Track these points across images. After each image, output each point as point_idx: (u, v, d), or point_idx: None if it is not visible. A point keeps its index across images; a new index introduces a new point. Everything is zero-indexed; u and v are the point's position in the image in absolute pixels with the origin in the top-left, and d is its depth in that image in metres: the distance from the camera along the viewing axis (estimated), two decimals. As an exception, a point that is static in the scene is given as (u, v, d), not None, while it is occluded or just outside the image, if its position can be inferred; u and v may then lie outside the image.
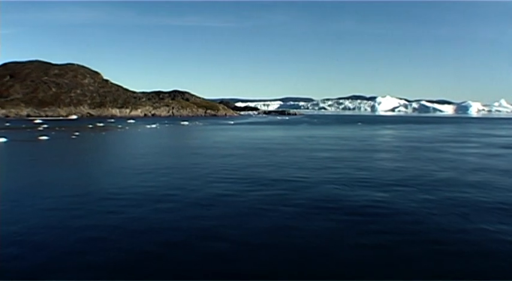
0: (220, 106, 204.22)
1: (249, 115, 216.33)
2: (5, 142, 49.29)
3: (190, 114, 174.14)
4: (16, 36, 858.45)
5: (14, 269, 11.64)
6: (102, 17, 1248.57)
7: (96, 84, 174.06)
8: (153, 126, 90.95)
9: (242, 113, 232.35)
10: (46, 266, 11.85)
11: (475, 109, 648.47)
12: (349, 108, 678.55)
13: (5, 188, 22.69)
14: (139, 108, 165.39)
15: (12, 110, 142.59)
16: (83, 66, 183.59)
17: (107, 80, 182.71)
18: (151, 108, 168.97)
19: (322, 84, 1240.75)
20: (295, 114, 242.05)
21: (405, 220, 16.53)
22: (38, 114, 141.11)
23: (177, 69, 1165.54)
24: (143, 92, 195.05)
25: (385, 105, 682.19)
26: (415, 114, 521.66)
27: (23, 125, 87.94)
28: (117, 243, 13.77)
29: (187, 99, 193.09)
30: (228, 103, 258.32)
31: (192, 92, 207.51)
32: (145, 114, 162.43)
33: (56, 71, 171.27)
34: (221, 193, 21.19)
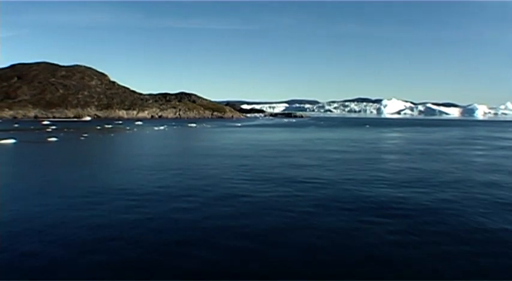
0: (227, 108, 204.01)
1: (256, 117, 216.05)
2: (14, 143, 49.15)
3: (197, 116, 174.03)
4: (23, 38, 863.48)
5: (30, 266, 11.69)
6: (109, 20, 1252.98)
7: (103, 86, 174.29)
8: (161, 128, 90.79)
9: (248, 115, 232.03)
10: (62, 264, 11.90)
11: (481, 112, 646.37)
12: (355, 111, 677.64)
13: (18, 188, 22.64)
14: (146, 110, 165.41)
15: (20, 112, 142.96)
16: (90, 68, 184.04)
17: (114, 82, 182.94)
18: (158, 110, 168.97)
19: (327, 87, 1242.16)
20: (302, 116, 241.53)
21: (428, 220, 16.51)
22: (45, 116, 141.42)
23: (183, 71, 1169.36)
24: (150, 94, 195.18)
25: (391, 107, 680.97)
26: (421, 117, 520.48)
27: (31, 127, 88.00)
28: (135, 241, 13.81)
29: (193, 102, 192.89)
30: (234, 105, 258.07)
31: (199, 94, 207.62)
32: (152, 116, 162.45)
33: (63, 73, 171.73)
34: (239, 193, 21.12)
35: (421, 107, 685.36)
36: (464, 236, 14.61)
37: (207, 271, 11.57)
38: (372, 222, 16.13)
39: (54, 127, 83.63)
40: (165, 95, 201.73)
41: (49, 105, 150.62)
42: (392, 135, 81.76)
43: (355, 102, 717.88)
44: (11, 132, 68.65)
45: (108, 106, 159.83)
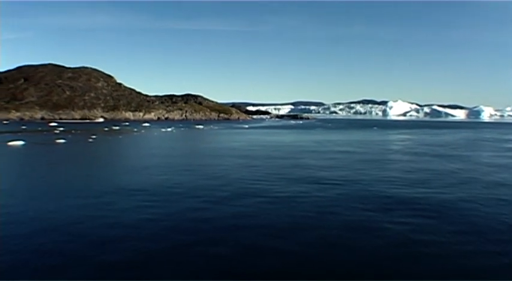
0: (233, 110, 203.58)
1: (262, 119, 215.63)
2: (23, 145, 48.87)
3: (203, 118, 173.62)
4: (29, 39, 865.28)
5: (46, 263, 11.97)
6: (114, 21, 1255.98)
7: (109, 87, 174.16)
8: (169, 129, 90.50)
9: (255, 117, 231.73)
10: (78, 260, 12.20)
11: (487, 114, 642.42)
12: (361, 113, 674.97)
13: (32, 188, 22.49)
14: (152, 111, 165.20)
15: (27, 113, 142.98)
16: (96, 70, 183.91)
17: (120, 84, 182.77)
18: (164, 111, 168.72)
19: (332, 88, 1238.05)
20: (308, 118, 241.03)
21: (453, 219, 16.73)
22: (52, 117, 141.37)
23: (189, 72, 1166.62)
24: (156, 96, 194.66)
25: (397, 109, 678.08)
26: (427, 119, 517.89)
27: (39, 128, 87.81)
28: (152, 239, 14.09)
29: (200, 103, 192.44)
30: (240, 107, 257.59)
31: (205, 96, 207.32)
32: (158, 118, 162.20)
33: (70, 75, 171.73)
34: (255, 193, 21.06)
35: (426, 109, 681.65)
36: (489, 234, 14.79)
37: (226, 269, 11.65)
38: (395, 222, 16.31)
39: (61, 129, 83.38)
40: (171, 96, 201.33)
41: (56, 106, 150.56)
42: (402, 137, 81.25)
43: (361, 104, 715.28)
44: (19, 134, 68.45)
45: (114, 108, 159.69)
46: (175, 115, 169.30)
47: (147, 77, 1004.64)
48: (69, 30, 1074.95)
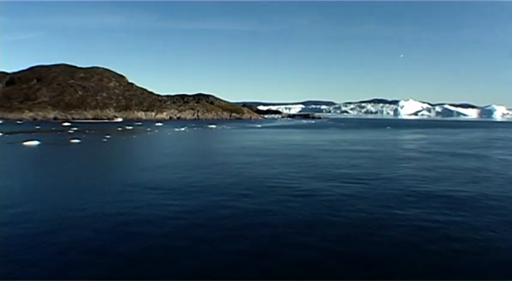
0: (245, 109, 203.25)
1: (274, 119, 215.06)
2: (38, 145, 48.66)
3: (215, 117, 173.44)
4: (41, 40, 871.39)
5: (68, 259, 12.17)
6: (125, 22, 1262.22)
7: (121, 87, 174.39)
8: (182, 129, 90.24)
9: (266, 116, 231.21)
10: (102, 253, 12.60)
11: (499, 113, 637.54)
12: (371, 112, 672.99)
13: (50, 188, 22.24)
14: (164, 111, 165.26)
15: (40, 113, 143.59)
16: (108, 70, 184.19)
17: (131, 84, 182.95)
18: (176, 111, 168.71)
19: (343, 88, 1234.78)
20: (320, 117, 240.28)
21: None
22: (64, 117, 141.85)
23: (200, 72, 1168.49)
24: (167, 96, 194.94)
25: (408, 109, 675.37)
26: (439, 118, 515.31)
27: (53, 128, 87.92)
28: (177, 235, 14.35)
29: (211, 103, 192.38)
30: (251, 106, 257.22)
31: (216, 96, 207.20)
32: (170, 118, 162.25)
33: (82, 75, 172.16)
34: (281, 192, 20.84)
35: (438, 108, 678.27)
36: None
37: (249, 264, 11.67)
38: (425, 218, 16.39)
39: (75, 129, 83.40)
40: (182, 96, 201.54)
41: (68, 106, 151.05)
42: (417, 137, 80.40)
43: (372, 103, 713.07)
44: (33, 133, 68.43)
45: (126, 107, 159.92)
46: (187, 115, 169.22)
47: (158, 76, 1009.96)
48: (81, 31, 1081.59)
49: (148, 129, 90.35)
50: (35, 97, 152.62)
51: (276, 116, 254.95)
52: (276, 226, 15.29)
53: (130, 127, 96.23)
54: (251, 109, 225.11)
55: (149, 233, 14.37)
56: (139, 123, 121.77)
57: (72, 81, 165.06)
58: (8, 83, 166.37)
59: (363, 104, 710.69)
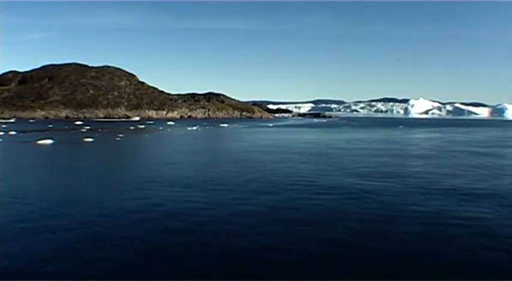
0: (256, 108, 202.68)
1: (285, 118, 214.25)
2: (52, 144, 48.51)
3: (226, 116, 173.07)
4: (53, 39, 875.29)
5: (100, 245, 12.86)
6: (136, 21, 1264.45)
7: (132, 86, 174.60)
8: (194, 128, 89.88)
9: (277, 115, 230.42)
10: (127, 246, 12.92)
11: (511, 112, 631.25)
12: (382, 111, 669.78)
13: (69, 186, 21.97)
14: (175, 110, 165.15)
15: (52, 112, 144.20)
16: (119, 69, 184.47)
17: (142, 82, 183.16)
18: (187, 110, 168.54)
19: (353, 86, 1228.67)
20: (331, 116, 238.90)
21: None
22: (76, 116, 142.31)
23: (209, 71, 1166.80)
24: (178, 94, 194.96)
25: (418, 107, 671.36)
26: (450, 117, 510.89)
27: (65, 127, 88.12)
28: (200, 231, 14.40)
29: (222, 102, 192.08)
30: (261, 105, 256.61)
31: (227, 94, 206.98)
32: (181, 116, 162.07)
33: (93, 74, 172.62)
34: (306, 193, 20.24)
35: (449, 107, 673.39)
36: None
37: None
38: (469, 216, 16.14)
39: (88, 127, 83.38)
40: (193, 95, 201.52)
41: (80, 105, 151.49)
42: (432, 136, 79.37)
43: (382, 102, 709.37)
44: (47, 132, 68.50)
45: (137, 106, 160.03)
46: (198, 114, 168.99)
47: (168, 75, 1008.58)
48: (92, 30, 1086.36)
49: (161, 128, 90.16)
50: (47, 96, 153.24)
51: (287, 115, 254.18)
52: (298, 221, 15.40)
53: (143, 126, 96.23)
54: (261, 108, 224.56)
55: (169, 229, 14.52)
56: (151, 122, 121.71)
57: (84, 80, 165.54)
58: (20, 82, 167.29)
59: (373, 103, 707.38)
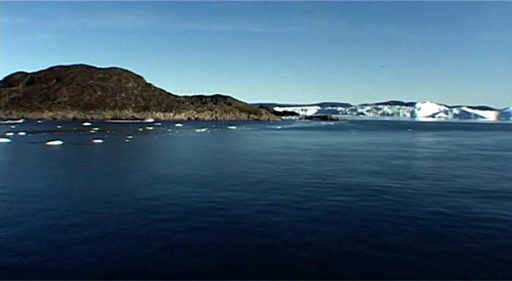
0: (263, 111, 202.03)
1: (291, 120, 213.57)
2: (61, 145, 48.33)
3: (233, 118, 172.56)
4: (61, 41, 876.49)
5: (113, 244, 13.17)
6: (143, 23, 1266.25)
7: (139, 88, 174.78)
8: (203, 130, 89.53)
9: (283, 117, 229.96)
10: (154, 238, 13.67)
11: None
12: (388, 114, 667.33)
13: (82, 186, 21.50)
14: (182, 112, 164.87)
15: (59, 113, 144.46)
16: (126, 70, 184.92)
17: (149, 84, 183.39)
18: (194, 112, 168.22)
19: (359, 89, 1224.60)
20: (338, 119, 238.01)
21: None
22: (83, 117, 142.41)
23: (216, 73, 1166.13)
24: (185, 96, 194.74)
25: (425, 111, 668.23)
26: (456, 120, 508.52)
27: (74, 128, 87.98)
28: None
29: (229, 104, 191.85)
30: (267, 108, 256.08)
31: (234, 97, 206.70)
32: (188, 118, 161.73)
33: (101, 75, 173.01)
34: (323, 198, 19.73)
35: (455, 111, 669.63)
36: None
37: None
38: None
39: (96, 129, 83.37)
40: (200, 97, 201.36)
41: (87, 106, 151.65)
42: (442, 140, 78.48)
43: (388, 105, 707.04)
44: (55, 133, 68.45)
45: (145, 108, 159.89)
46: (206, 116, 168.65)
47: (175, 77, 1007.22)
48: (99, 32, 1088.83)
49: (169, 130, 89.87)
50: (54, 97, 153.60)
51: (294, 117, 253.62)
52: (319, 219, 15.70)
53: (151, 128, 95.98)
54: (268, 110, 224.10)
55: (187, 227, 14.92)
56: (159, 124, 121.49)
57: (91, 81, 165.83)
58: (28, 83, 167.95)
59: (379, 106, 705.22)
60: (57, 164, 33.77)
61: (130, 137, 63.59)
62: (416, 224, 15.63)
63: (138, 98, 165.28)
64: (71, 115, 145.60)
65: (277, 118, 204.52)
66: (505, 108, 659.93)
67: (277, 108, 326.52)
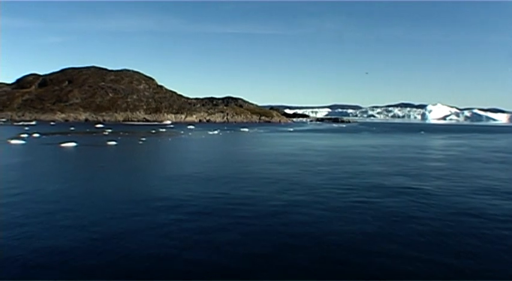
0: (274, 113, 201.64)
1: (303, 122, 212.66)
2: (75, 147, 48.12)
3: (244, 120, 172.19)
4: (72, 43, 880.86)
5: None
6: (153, 25, 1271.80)
7: (151, 90, 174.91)
8: (215, 132, 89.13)
9: (295, 119, 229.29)
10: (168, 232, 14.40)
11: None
12: (399, 116, 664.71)
13: (99, 188, 21.27)
14: (194, 114, 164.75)
15: (71, 115, 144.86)
16: (137, 72, 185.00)
17: (161, 86, 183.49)
18: (206, 114, 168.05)
19: (369, 92, 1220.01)
20: (349, 121, 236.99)
21: None
22: (95, 119, 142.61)
23: (226, 75, 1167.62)
24: (196, 98, 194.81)
25: (436, 113, 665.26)
26: (468, 123, 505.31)
27: (87, 130, 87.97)
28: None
29: (240, 106, 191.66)
30: (278, 110, 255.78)
31: (245, 99, 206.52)
32: (200, 120, 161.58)
33: (112, 77, 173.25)
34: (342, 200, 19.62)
35: (467, 113, 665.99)
36: None
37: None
38: None
39: (109, 130, 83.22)
40: (211, 99, 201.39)
41: (99, 108, 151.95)
42: (457, 142, 77.55)
43: (399, 108, 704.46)
44: (69, 135, 68.45)
45: (156, 110, 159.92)
46: (217, 118, 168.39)
47: (186, 79, 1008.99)
48: (110, 34, 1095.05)
49: (182, 132, 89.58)
50: (66, 99, 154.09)
51: (305, 119, 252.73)
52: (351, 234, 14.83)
53: (164, 130, 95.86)
54: (278, 112, 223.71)
55: (207, 228, 15.02)
56: (172, 126, 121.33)
57: (103, 83, 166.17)
58: (40, 85, 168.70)
59: (389, 108, 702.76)
60: (73, 166, 33.71)
61: (144, 139, 63.36)
62: (444, 224, 15.96)
63: (150, 100, 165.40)
64: (83, 117, 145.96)
65: (289, 120, 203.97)
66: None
67: (287, 111, 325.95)
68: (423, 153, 50.15)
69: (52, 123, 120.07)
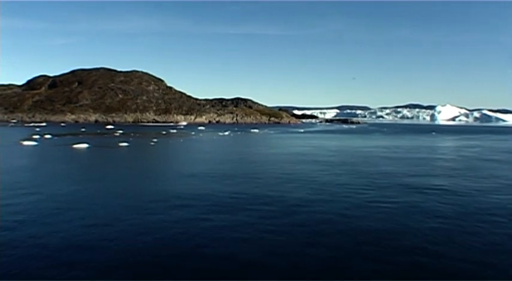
0: (284, 114, 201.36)
1: (312, 123, 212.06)
2: (87, 148, 47.97)
3: (254, 121, 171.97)
4: (81, 44, 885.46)
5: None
6: (161, 26, 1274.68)
7: (160, 91, 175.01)
8: (226, 133, 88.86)
9: (304, 120, 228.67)
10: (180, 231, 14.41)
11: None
12: (407, 117, 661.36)
13: (111, 190, 21.04)
14: (203, 115, 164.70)
15: (81, 116, 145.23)
16: (147, 73, 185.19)
17: (170, 87, 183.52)
18: (215, 115, 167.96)
19: (378, 92, 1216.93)
20: (359, 122, 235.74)
21: None
22: (105, 120, 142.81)
23: (235, 76, 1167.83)
24: (205, 99, 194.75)
25: (445, 114, 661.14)
26: (478, 123, 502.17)
27: (98, 131, 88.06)
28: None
29: (250, 107, 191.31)
30: (287, 111, 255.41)
31: (254, 100, 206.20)
32: (209, 121, 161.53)
33: (122, 78, 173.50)
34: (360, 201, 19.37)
35: (476, 114, 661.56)
36: None
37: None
38: None
39: (120, 131, 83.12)
40: (221, 100, 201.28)
41: (109, 109, 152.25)
42: (470, 143, 76.80)
43: (408, 109, 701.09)
44: (80, 136, 68.50)
45: (166, 111, 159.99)
46: (226, 119, 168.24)
47: (195, 80, 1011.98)
48: (119, 35, 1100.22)
49: (193, 133, 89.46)
50: (76, 100, 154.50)
51: (314, 120, 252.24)
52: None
53: (174, 130, 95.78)
54: (287, 113, 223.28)
55: (226, 225, 15.21)
56: (182, 127, 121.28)
57: (113, 84, 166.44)
58: (50, 86, 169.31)
59: (398, 109, 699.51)
60: (87, 167, 33.60)
61: (155, 140, 63.20)
62: (470, 223, 16.16)
63: (159, 101, 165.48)
64: (93, 118, 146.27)
65: (298, 121, 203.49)
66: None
67: (296, 111, 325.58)
68: (438, 153, 49.84)
69: (62, 124, 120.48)
